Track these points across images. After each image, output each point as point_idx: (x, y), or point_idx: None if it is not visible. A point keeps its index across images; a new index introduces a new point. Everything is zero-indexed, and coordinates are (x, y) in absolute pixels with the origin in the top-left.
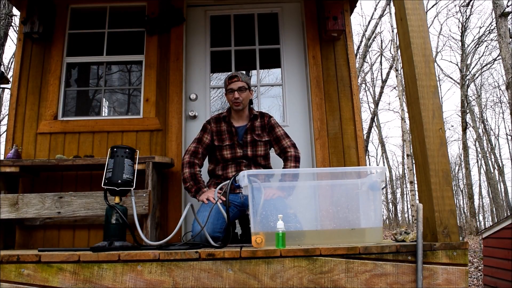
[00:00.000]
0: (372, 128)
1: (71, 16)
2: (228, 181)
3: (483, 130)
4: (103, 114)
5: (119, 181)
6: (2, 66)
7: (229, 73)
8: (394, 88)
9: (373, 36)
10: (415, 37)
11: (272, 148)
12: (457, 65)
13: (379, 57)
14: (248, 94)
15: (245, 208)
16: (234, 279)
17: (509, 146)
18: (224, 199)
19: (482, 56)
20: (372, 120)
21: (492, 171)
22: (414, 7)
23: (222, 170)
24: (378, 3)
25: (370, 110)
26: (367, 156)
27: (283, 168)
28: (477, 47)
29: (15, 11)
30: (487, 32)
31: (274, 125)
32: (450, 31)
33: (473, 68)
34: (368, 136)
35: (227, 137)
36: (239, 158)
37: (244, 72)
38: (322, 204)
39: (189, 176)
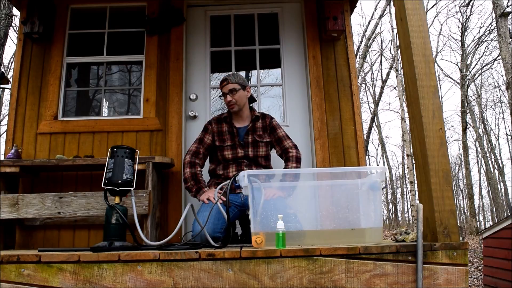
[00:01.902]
0: (372, 128)
1: (71, 16)
2: (229, 181)
3: (483, 130)
4: (103, 114)
5: (119, 181)
6: (2, 66)
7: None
8: (394, 88)
9: (373, 36)
10: (415, 37)
11: (272, 149)
12: (457, 65)
13: (379, 57)
14: (242, 94)
15: (246, 208)
16: (234, 279)
17: (509, 146)
18: (225, 199)
19: (482, 56)
20: (372, 120)
21: (492, 171)
22: (414, 7)
23: (223, 170)
24: (378, 3)
25: (370, 110)
26: (367, 156)
27: (284, 168)
28: (477, 47)
29: (15, 11)
30: (487, 32)
31: (276, 127)
32: (450, 31)
33: (473, 68)
34: (368, 136)
35: (228, 138)
36: (240, 159)
37: (236, 72)
38: (322, 204)
39: (190, 176)
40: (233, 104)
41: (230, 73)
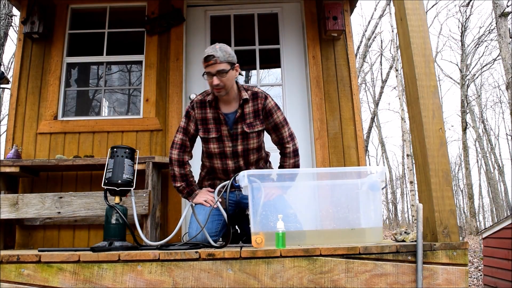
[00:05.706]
0: (372, 128)
1: (71, 16)
2: (227, 182)
3: (483, 130)
4: (103, 114)
5: (119, 181)
6: (2, 66)
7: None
8: (394, 88)
9: (373, 36)
10: (415, 37)
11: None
12: (457, 65)
13: (379, 57)
14: (231, 75)
15: (241, 205)
16: (234, 279)
17: (509, 146)
18: (221, 200)
19: (482, 56)
20: (372, 120)
21: (492, 171)
22: (414, 7)
23: (209, 176)
24: (378, 3)
25: (370, 110)
26: (367, 156)
27: (280, 163)
28: (477, 47)
29: (15, 11)
30: (487, 32)
31: (272, 110)
32: (450, 31)
33: (473, 68)
34: (368, 136)
35: (214, 128)
36: (228, 155)
37: (222, 46)
38: (322, 204)
39: (179, 176)
40: (221, 89)
41: (216, 45)
